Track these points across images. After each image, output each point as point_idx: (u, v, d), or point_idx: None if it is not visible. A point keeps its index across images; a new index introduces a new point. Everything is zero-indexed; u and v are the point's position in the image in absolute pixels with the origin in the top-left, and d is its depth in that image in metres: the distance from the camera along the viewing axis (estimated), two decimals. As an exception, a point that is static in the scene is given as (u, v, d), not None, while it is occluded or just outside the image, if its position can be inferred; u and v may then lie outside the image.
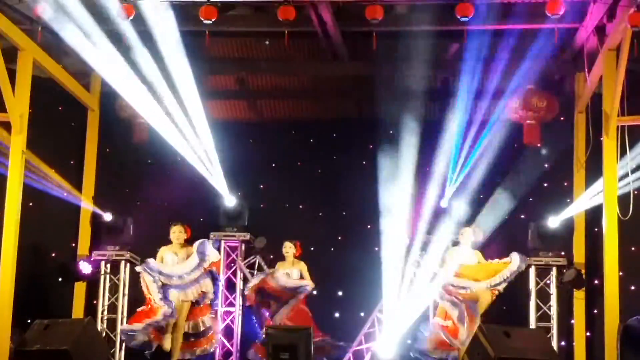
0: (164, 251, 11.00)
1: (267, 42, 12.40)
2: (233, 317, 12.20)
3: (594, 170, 11.39)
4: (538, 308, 11.91)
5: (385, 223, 12.13)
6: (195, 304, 10.89)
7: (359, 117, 13.38)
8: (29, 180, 11.14)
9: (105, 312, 12.34)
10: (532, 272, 11.95)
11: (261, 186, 12.91)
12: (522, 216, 12.58)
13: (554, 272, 11.93)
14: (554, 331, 11.81)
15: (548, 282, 11.97)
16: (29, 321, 10.48)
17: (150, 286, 10.64)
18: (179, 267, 10.78)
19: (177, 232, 11.01)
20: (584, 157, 12.03)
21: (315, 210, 13.09)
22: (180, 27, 10.85)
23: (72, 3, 10.34)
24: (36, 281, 11.95)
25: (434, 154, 12.16)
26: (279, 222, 12.64)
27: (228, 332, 12.19)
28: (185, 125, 11.85)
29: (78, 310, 12.39)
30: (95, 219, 12.56)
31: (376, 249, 11.55)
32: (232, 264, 12.29)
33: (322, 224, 12.94)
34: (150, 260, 10.81)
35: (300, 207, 13.15)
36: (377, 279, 10.69)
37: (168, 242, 11.06)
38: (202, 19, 10.38)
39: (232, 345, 12.14)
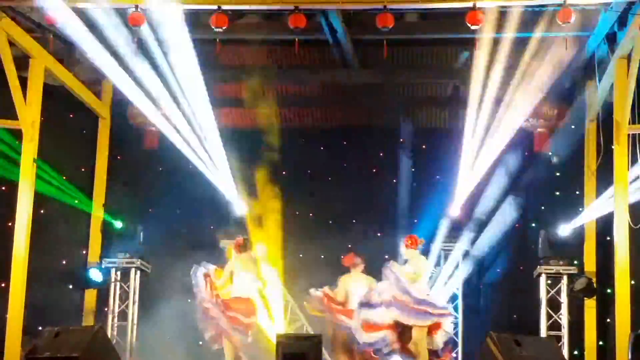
0: None
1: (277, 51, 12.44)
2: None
3: (605, 178, 11.35)
4: (549, 317, 11.88)
5: (396, 231, 12.12)
6: None
7: (370, 124, 13.36)
8: (40, 188, 11.18)
9: (116, 320, 12.36)
10: (542, 280, 11.91)
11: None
12: (533, 224, 12.56)
13: (564, 280, 11.89)
14: (565, 340, 11.76)
15: (559, 290, 11.94)
16: (39, 328, 10.48)
17: None
18: None
19: None
20: (594, 165, 12.00)
21: (325, 218, 13.07)
22: (191, 35, 10.88)
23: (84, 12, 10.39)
24: (47, 288, 11.97)
25: (444, 162, 12.15)
26: (288, 230, 12.62)
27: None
28: (196, 133, 11.87)
29: (88, 317, 12.41)
30: (105, 226, 12.59)
31: (387, 256, 11.52)
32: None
33: (332, 231, 12.92)
34: None
35: (311, 215, 13.14)
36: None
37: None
38: (213, 27, 10.40)
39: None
